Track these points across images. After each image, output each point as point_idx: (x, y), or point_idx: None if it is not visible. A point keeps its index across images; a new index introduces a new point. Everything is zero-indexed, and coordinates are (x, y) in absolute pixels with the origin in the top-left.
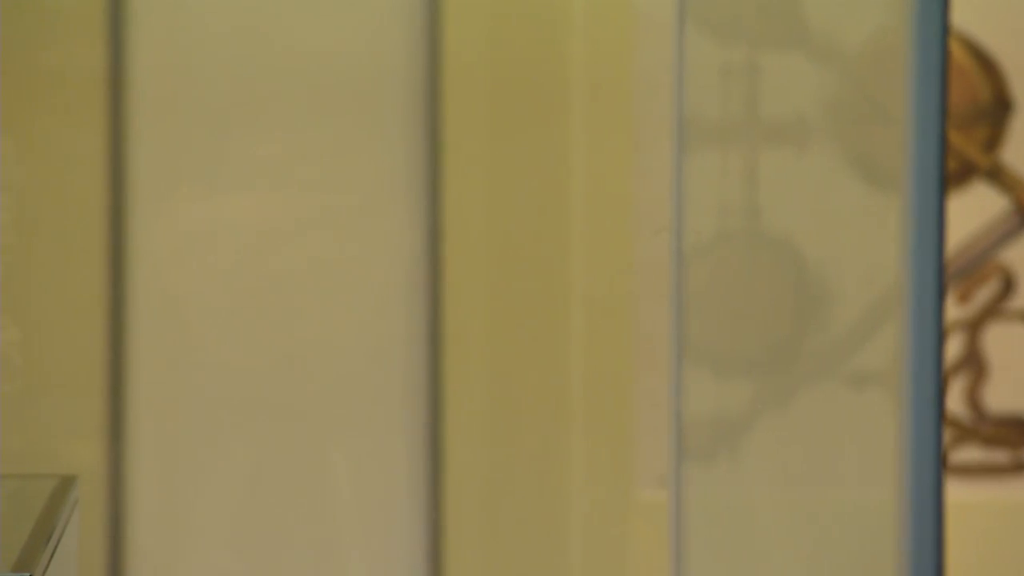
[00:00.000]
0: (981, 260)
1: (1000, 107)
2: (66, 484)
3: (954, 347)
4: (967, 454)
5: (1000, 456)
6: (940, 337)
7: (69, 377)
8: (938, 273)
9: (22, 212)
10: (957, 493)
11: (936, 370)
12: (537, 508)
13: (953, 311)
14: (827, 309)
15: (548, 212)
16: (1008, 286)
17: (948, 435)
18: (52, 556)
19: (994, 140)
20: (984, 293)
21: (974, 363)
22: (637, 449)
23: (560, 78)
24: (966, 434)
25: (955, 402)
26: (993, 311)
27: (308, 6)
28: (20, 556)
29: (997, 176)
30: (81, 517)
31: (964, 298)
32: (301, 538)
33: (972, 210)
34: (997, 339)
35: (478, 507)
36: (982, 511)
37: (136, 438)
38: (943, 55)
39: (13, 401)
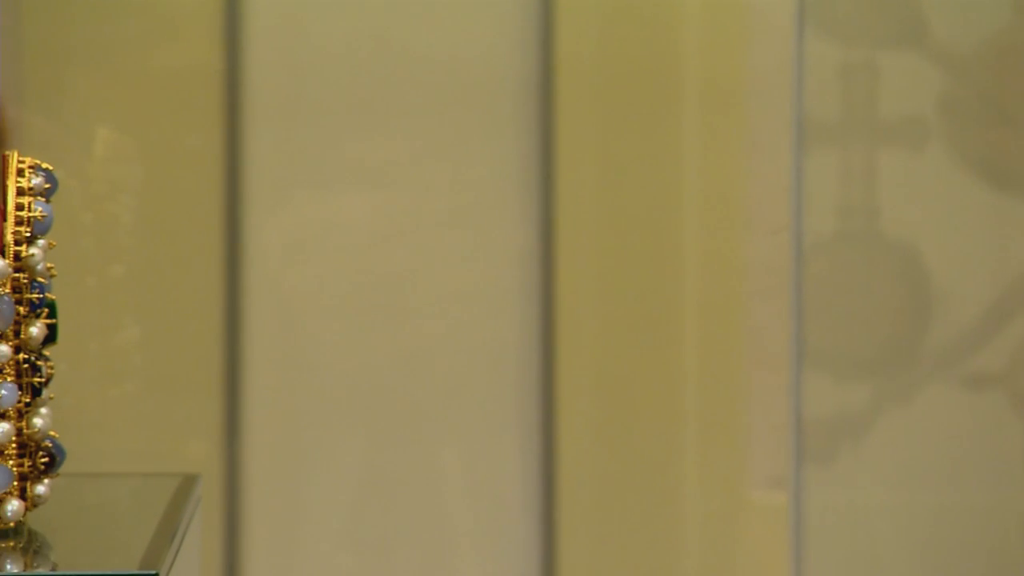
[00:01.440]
0: None
1: None
2: (189, 482)
3: None
4: None
5: None
6: None
7: (186, 376)
8: None
9: (141, 212)
10: None
11: None
12: (650, 508)
13: None
14: (947, 310)
15: (661, 211)
16: None
17: None
18: (176, 554)
19: None
20: None
21: None
22: (751, 450)
23: (673, 77)
24: None
25: None
26: None
27: (423, 7)
28: (146, 554)
29: None
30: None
31: None
32: (415, 536)
33: None
34: None
35: (591, 507)
36: None
37: (252, 436)
38: None
39: (133, 400)
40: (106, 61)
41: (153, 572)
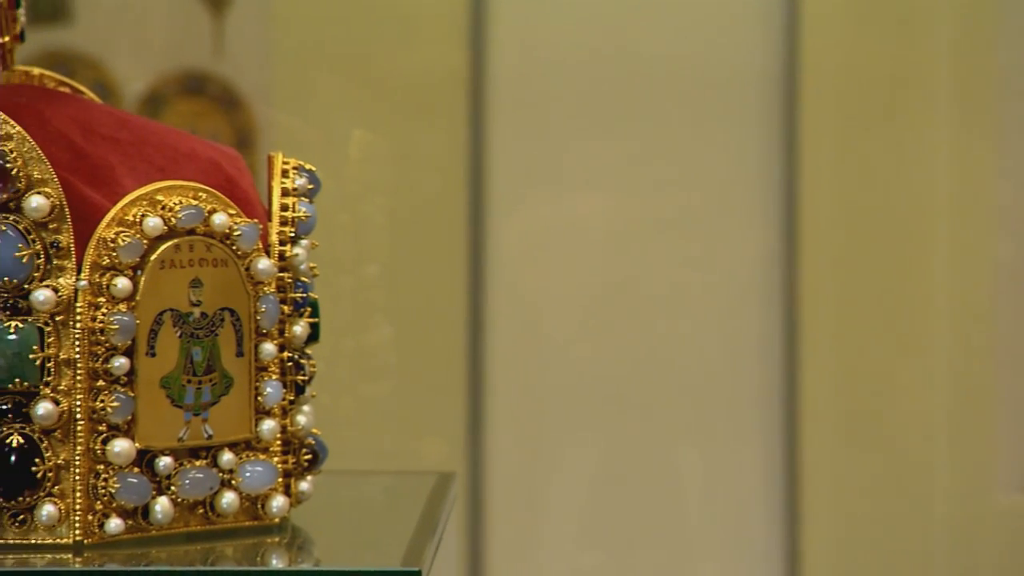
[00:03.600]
0: None
1: None
2: (445, 480)
3: None
4: None
5: None
6: None
7: (432, 375)
8: None
9: (393, 213)
10: None
11: None
12: (897, 512)
13: None
14: None
15: (910, 211)
16: None
17: None
18: (436, 552)
19: None
20: None
21: None
22: (1004, 454)
23: (924, 76)
24: None
25: None
26: None
27: (664, 8)
28: (407, 551)
29: None
30: None
31: None
32: (655, 536)
33: None
34: None
35: (836, 511)
36: None
37: (494, 435)
38: None
39: (384, 398)
40: (353, 64)
41: (415, 569)
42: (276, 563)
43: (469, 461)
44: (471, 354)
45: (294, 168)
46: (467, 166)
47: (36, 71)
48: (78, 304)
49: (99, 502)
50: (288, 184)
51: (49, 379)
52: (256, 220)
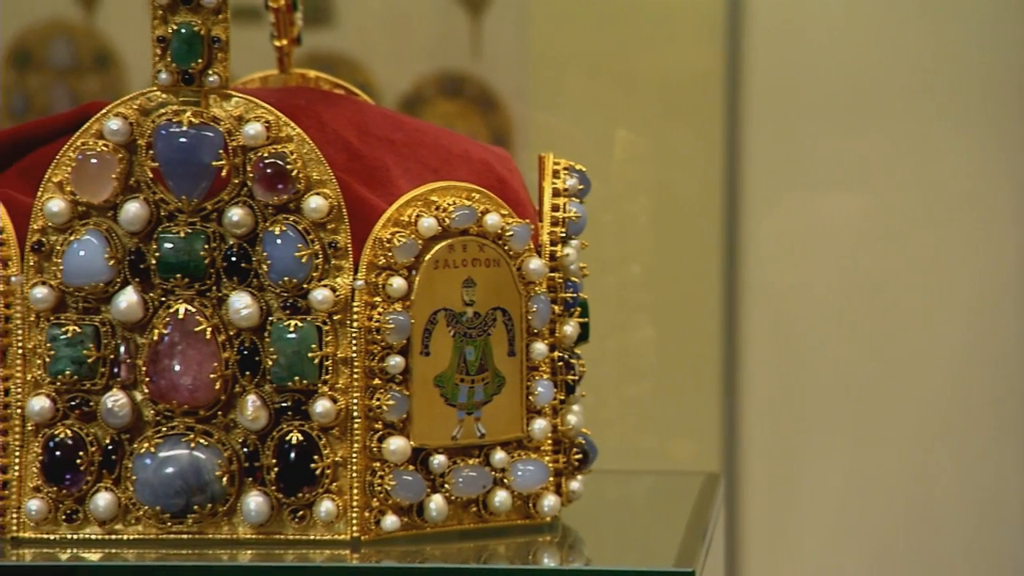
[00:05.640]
0: None
1: None
2: (712, 481)
3: None
4: None
5: None
6: None
7: (689, 375)
8: None
9: (654, 213)
10: None
11: None
12: None
13: None
14: None
15: None
16: None
17: None
18: (707, 553)
19: None
20: None
21: None
22: None
23: None
24: None
25: None
26: None
27: (919, 5)
28: (680, 552)
29: None
30: None
31: None
32: (910, 539)
33: None
34: None
35: None
36: None
37: (749, 435)
38: None
39: (646, 399)
40: (609, 64)
41: (689, 570)
42: (548, 562)
43: (724, 462)
44: (726, 355)
45: (565, 169)
46: (722, 166)
47: (312, 74)
48: (355, 303)
49: (375, 499)
50: (559, 184)
51: (327, 377)
52: (528, 220)
